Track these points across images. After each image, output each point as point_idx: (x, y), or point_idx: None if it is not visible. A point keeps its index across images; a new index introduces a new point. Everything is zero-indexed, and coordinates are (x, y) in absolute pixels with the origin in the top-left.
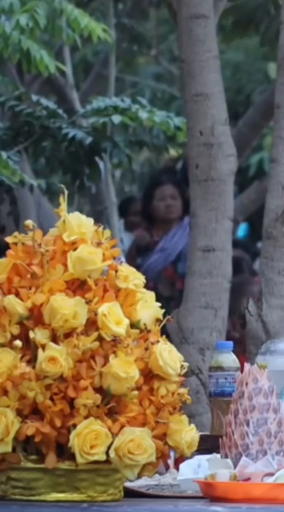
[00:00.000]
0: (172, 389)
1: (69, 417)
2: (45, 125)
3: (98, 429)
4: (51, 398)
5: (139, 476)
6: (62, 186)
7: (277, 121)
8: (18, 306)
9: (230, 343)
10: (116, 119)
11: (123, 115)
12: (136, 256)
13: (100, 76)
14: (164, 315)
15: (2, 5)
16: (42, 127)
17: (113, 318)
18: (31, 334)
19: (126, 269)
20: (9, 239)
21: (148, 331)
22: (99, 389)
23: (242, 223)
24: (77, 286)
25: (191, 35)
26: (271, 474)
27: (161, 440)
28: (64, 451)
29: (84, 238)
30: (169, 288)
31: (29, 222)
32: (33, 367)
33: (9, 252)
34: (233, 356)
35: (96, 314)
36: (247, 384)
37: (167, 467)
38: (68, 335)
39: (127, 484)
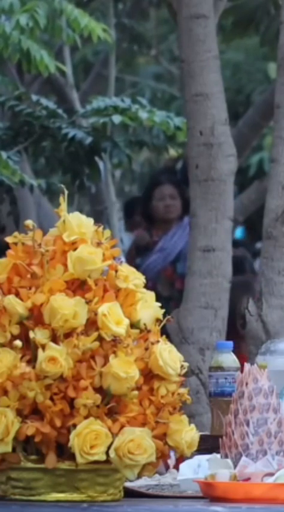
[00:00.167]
0: (172, 390)
1: (69, 417)
2: (45, 125)
3: (98, 429)
4: (51, 398)
5: (139, 476)
6: (62, 186)
7: (277, 121)
8: (18, 306)
9: (231, 343)
10: (116, 119)
11: (123, 115)
12: (136, 256)
13: (100, 76)
14: (163, 315)
15: (2, 5)
16: (42, 127)
17: (113, 318)
18: (31, 334)
19: (126, 269)
20: (9, 239)
21: (148, 331)
22: (99, 390)
23: (238, 226)
24: (77, 286)
25: (191, 35)
26: (271, 474)
27: (161, 440)
28: (64, 451)
29: (84, 238)
30: (169, 288)
31: (29, 222)
32: (33, 367)
33: (9, 252)
34: (233, 356)
35: (96, 314)
36: (247, 383)
37: (167, 467)
38: (68, 335)
39: (127, 484)
